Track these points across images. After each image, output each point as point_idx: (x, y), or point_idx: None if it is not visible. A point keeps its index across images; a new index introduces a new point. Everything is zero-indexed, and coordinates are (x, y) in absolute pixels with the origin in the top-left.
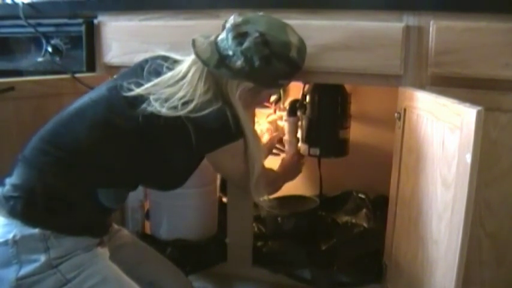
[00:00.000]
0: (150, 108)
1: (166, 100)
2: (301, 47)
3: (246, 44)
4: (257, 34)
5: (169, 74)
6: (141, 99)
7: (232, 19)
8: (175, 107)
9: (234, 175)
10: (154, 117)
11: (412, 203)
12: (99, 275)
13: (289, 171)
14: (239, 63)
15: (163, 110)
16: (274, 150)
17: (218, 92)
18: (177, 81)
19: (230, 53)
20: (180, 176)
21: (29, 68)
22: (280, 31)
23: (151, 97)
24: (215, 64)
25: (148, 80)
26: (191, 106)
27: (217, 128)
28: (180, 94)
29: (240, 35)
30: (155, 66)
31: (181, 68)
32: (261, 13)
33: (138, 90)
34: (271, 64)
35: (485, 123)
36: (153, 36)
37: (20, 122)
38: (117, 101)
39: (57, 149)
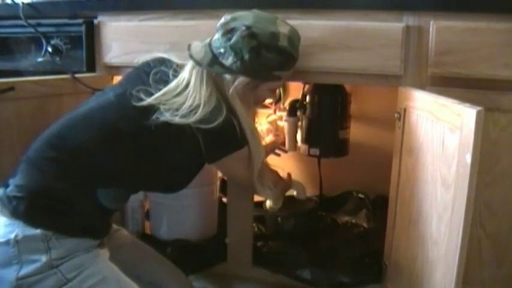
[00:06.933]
0: (162, 118)
1: (177, 109)
2: (292, 36)
3: (234, 39)
4: (243, 28)
5: (175, 82)
6: (152, 108)
7: (222, 18)
8: (185, 115)
9: (241, 178)
10: (166, 126)
11: (412, 203)
12: (99, 275)
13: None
14: (230, 58)
15: (176, 119)
16: (277, 151)
17: (218, 93)
18: (183, 90)
19: (222, 50)
20: (184, 180)
21: (29, 68)
22: (268, 23)
23: (162, 107)
24: (208, 62)
25: (156, 89)
26: (200, 113)
27: (225, 138)
28: (188, 103)
29: (228, 32)
30: (161, 75)
31: (184, 75)
32: (253, 10)
33: (149, 100)
34: (261, 55)
35: (485, 123)
36: (153, 36)
37: (20, 122)
38: (126, 110)
39: (61, 152)
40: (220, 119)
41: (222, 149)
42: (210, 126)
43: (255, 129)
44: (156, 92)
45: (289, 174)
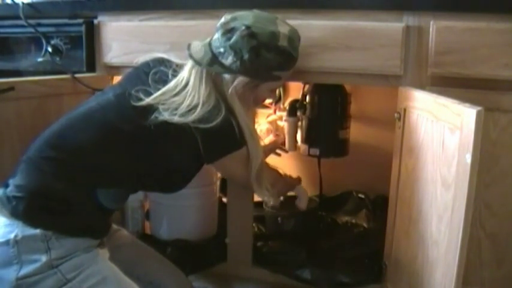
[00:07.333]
0: (161, 118)
1: (176, 109)
2: (292, 36)
3: (233, 39)
4: (243, 27)
5: (174, 81)
6: (151, 108)
7: (222, 18)
8: (184, 115)
9: (239, 178)
10: (165, 125)
11: (412, 203)
12: (99, 275)
13: (288, 181)
14: (230, 58)
15: (175, 118)
16: (277, 151)
17: (218, 92)
18: (182, 89)
19: (221, 50)
20: (184, 180)
21: (29, 68)
22: (268, 23)
23: (161, 107)
24: (208, 62)
25: (156, 89)
26: (199, 113)
27: (223, 138)
28: (187, 102)
29: (228, 31)
30: (160, 75)
31: (183, 74)
32: (253, 10)
33: (147, 100)
34: (260, 55)
35: (485, 123)
36: (153, 36)
37: (20, 122)
38: (126, 110)
39: (60, 152)
40: (219, 119)
41: (220, 149)
42: (208, 125)
43: (254, 129)
44: (155, 92)
45: (299, 178)
